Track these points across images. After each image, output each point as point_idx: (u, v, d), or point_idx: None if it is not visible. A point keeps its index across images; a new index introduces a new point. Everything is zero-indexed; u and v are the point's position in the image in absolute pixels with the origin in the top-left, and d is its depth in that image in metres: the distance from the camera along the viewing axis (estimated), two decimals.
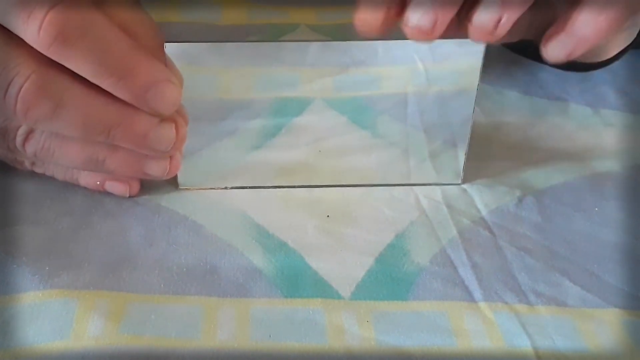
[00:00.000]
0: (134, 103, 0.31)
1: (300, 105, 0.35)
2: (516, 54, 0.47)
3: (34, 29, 0.28)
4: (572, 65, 0.42)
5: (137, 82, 0.30)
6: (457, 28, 0.31)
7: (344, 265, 0.32)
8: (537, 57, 0.44)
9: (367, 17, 0.30)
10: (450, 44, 0.33)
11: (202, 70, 0.34)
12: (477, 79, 0.34)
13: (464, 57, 0.33)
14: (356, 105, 0.36)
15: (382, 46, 0.34)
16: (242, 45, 0.33)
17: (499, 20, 0.30)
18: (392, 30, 0.31)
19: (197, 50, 0.33)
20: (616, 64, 0.45)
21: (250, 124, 0.35)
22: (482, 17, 0.30)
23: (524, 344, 0.29)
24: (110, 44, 0.29)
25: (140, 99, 0.31)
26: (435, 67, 0.34)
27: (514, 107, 0.44)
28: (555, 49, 0.32)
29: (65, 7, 0.28)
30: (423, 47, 0.32)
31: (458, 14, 0.30)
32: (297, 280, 0.31)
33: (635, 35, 0.38)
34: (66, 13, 0.28)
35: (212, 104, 0.35)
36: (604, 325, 0.30)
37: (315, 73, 0.34)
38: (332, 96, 0.35)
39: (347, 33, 0.32)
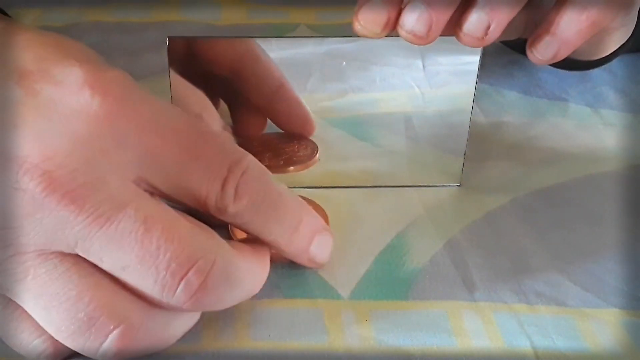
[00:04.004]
0: (294, 258, 0.31)
1: None
2: (515, 52, 0.47)
3: (228, 195, 0.27)
4: (570, 64, 0.42)
5: (302, 235, 0.30)
6: (453, 29, 0.31)
7: (343, 265, 0.32)
8: None
9: (367, 21, 0.30)
10: (445, 74, 0.35)
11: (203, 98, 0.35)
12: (472, 100, 0.35)
13: (459, 84, 0.35)
14: (355, 122, 0.36)
15: (379, 74, 0.35)
16: None
17: (489, 27, 0.30)
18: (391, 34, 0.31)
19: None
20: (615, 64, 0.45)
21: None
22: (471, 24, 0.30)
23: (524, 344, 0.29)
24: (284, 201, 0.29)
25: (304, 252, 0.30)
26: (432, 91, 0.36)
27: (513, 107, 0.44)
28: (540, 51, 0.32)
29: (252, 169, 0.27)
30: (420, 74, 0.35)
31: (452, 16, 0.30)
32: (297, 280, 0.31)
33: (630, 33, 0.39)
34: (253, 180, 0.27)
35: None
36: (604, 325, 0.30)
37: (314, 98, 0.35)
38: (331, 115, 0.36)
39: (346, 33, 0.33)
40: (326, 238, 0.31)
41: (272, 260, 0.30)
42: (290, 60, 0.34)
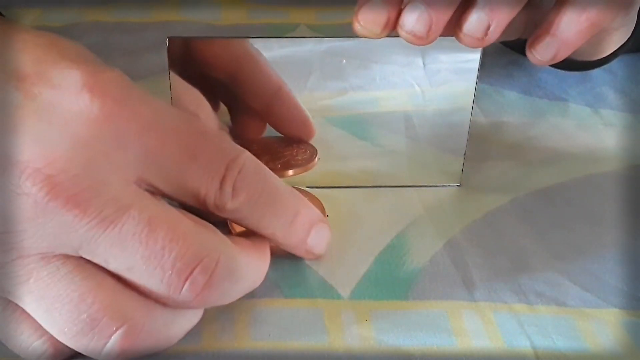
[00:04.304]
0: (293, 250, 0.31)
1: None
2: (515, 52, 0.47)
3: (226, 194, 0.27)
4: (570, 64, 0.42)
5: (299, 228, 0.30)
6: (453, 30, 0.31)
7: (343, 264, 0.32)
8: None
9: (367, 21, 0.30)
10: (446, 72, 0.35)
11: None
12: (472, 99, 0.35)
13: (459, 82, 0.35)
14: (355, 121, 0.37)
15: (379, 72, 0.35)
16: None
17: (489, 27, 0.30)
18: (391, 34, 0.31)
19: None
20: (616, 64, 0.45)
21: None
22: (471, 24, 0.30)
23: (524, 344, 0.29)
24: (281, 195, 0.29)
25: (301, 244, 0.31)
26: (432, 90, 0.36)
27: (513, 107, 0.44)
28: (540, 52, 0.32)
29: (249, 166, 0.28)
30: (420, 73, 0.35)
31: (452, 17, 0.30)
32: (297, 279, 0.31)
33: (629, 34, 0.39)
34: (250, 177, 0.28)
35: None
36: (604, 325, 0.30)
37: (314, 97, 0.35)
38: (331, 114, 0.36)
39: (346, 33, 0.33)
40: (323, 229, 0.31)
41: (271, 253, 0.30)
42: (290, 58, 0.34)
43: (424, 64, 0.35)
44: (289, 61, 0.34)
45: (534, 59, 0.33)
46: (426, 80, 0.35)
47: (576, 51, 0.33)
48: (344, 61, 0.35)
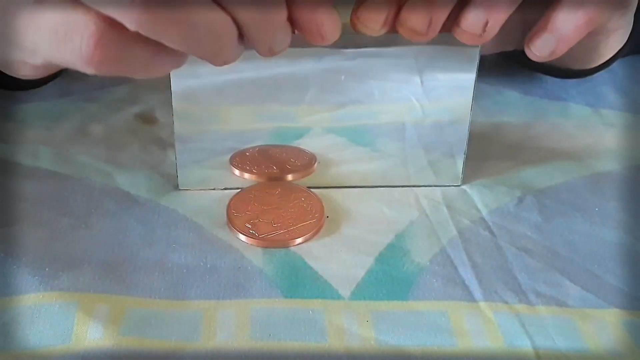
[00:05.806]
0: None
1: (299, 132, 0.37)
2: (514, 64, 0.47)
3: None
4: (568, 72, 0.42)
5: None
6: (451, 26, 0.31)
7: (344, 265, 0.32)
8: (536, 66, 0.44)
9: (366, 18, 0.30)
10: (443, 89, 0.35)
11: (203, 109, 0.35)
12: (469, 111, 0.35)
13: (457, 96, 0.35)
14: (355, 130, 0.37)
15: (377, 88, 0.35)
16: (242, 85, 0.34)
17: (487, 24, 0.30)
18: (389, 31, 0.31)
19: (199, 90, 0.34)
20: (616, 64, 0.45)
21: (251, 145, 0.37)
22: (469, 21, 0.30)
23: (524, 344, 0.29)
24: None
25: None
26: (430, 104, 0.36)
27: (513, 107, 0.44)
28: (538, 48, 0.32)
29: None
30: (418, 89, 0.35)
31: (451, 13, 0.31)
32: (297, 280, 0.31)
33: (626, 39, 0.39)
34: None
35: (213, 133, 0.36)
36: (604, 325, 0.30)
37: (313, 110, 0.36)
38: (331, 125, 0.36)
39: (346, 32, 0.33)
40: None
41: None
42: (289, 75, 0.34)
43: (421, 81, 0.35)
44: (287, 78, 0.34)
45: (532, 55, 0.33)
46: (424, 96, 0.36)
47: (575, 58, 0.33)
48: (343, 77, 0.35)
